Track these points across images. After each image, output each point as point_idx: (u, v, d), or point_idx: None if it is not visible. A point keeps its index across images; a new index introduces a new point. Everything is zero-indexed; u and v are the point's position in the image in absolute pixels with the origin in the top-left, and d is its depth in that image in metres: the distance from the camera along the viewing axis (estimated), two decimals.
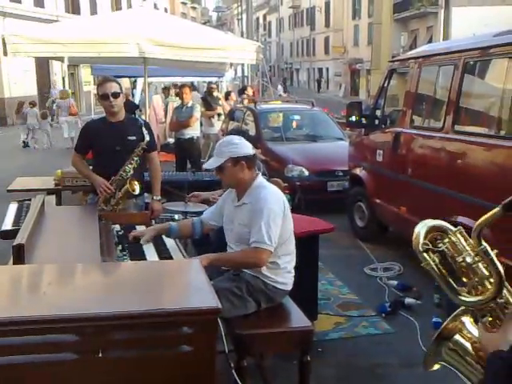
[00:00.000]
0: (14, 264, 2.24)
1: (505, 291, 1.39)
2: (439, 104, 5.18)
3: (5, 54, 7.68)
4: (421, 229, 1.50)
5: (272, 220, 2.89)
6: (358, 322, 4.33)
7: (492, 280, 1.38)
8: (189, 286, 2.04)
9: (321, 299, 4.56)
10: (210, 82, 19.46)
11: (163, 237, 3.30)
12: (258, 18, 65.09)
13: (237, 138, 3.14)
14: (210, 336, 1.80)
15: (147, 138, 3.97)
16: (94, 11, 29.92)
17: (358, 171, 6.58)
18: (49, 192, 4.96)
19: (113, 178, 3.96)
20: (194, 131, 8.58)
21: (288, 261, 3.11)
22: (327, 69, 51.01)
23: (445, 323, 1.49)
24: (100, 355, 1.70)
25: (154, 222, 4.49)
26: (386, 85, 6.23)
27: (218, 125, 10.39)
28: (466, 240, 1.46)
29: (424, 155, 5.21)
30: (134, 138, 4.02)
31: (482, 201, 4.00)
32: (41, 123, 16.27)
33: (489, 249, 1.39)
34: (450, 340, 1.48)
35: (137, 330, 1.73)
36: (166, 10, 44.86)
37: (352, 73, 44.17)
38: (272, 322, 2.95)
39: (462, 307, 1.49)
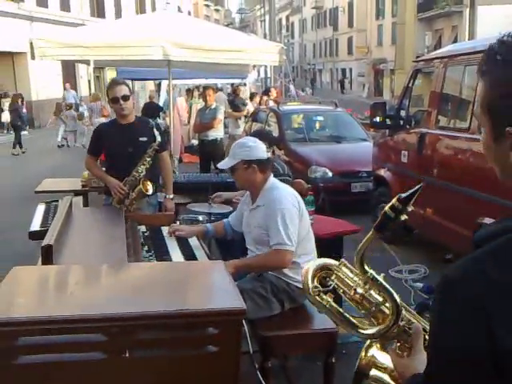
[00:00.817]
0: (42, 264, 2.28)
1: (403, 312, 1.32)
2: (465, 104, 5.11)
3: (32, 57, 7.82)
4: (306, 274, 1.42)
5: (288, 220, 2.90)
6: None
7: (388, 305, 1.32)
8: (214, 286, 2.06)
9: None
10: (233, 84, 19.57)
11: None
12: (280, 20, 65.05)
13: (251, 141, 3.16)
14: (235, 336, 1.81)
15: (158, 138, 4.00)
16: (118, 15, 30.27)
17: (383, 172, 6.53)
18: (76, 193, 5.05)
19: (126, 179, 4.01)
20: (217, 133, 8.62)
21: (308, 260, 3.10)
22: (350, 69, 50.75)
23: (358, 361, 1.43)
24: (127, 355, 1.72)
25: (178, 222, 4.54)
26: (410, 85, 6.17)
27: (244, 126, 10.43)
28: (351, 271, 1.40)
29: (450, 156, 5.14)
30: (145, 139, 4.06)
31: (509, 202, 3.94)
32: (78, 124, 16.77)
33: (375, 275, 1.34)
34: (368, 377, 1.42)
35: (163, 330, 1.75)
36: (189, 13, 45.12)
37: (376, 73, 43.87)
38: (296, 324, 2.95)
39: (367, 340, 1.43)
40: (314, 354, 3.23)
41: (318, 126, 9.37)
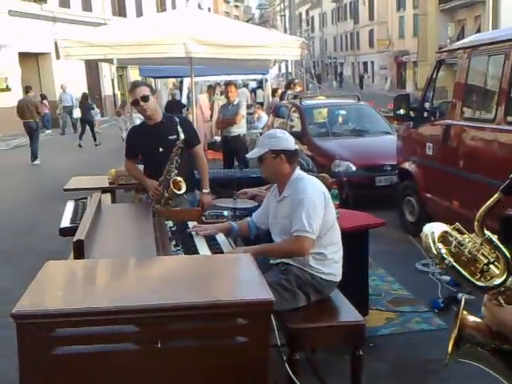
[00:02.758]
0: (74, 259, 2.33)
1: None
2: (490, 95, 5.05)
3: (57, 57, 7.96)
4: (430, 235, 1.59)
5: (312, 209, 2.91)
6: (410, 318, 4.28)
7: (499, 263, 1.47)
8: (243, 278, 2.09)
9: (371, 295, 4.53)
10: (255, 80, 19.52)
11: None
12: (300, 14, 64.73)
13: (280, 132, 3.22)
14: (263, 327, 1.84)
15: (182, 136, 3.94)
16: (139, 13, 30.50)
17: (407, 165, 6.49)
18: (103, 190, 5.12)
19: (160, 180, 4.04)
20: (240, 129, 8.65)
21: (335, 251, 3.11)
22: (372, 62, 50.34)
23: (457, 327, 1.51)
24: (159, 345, 1.76)
25: (204, 218, 4.58)
26: (434, 76, 6.11)
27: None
28: (463, 233, 1.58)
29: (476, 147, 5.09)
30: (174, 137, 4.04)
31: None
32: (117, 120, 17.53)
33: (491, 236, 1.48)
34: (467, 341, 1.52)
35: (194, 321, 1.79)
36: (209, 10, 45.23)
37: (398, 65, 43.44)
38: (323, 317, 2.96)
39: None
40: (341, 346, 3.23)
41: (340, 119, 9.32)
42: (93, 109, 17.93)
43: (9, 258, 5.95)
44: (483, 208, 1.47)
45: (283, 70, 25.80)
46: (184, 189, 4.00)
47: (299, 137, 8.17)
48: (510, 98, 4.60)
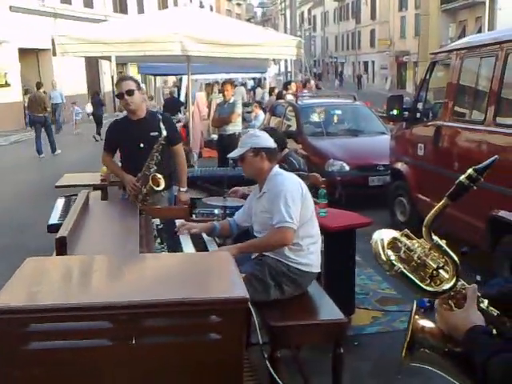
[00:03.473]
0: (56, 255, 2.36)
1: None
2: (481, 96, 5.08)
3: (54, 54, 7.97)
4: (380, 241, 1.57)
5: (290, 200, 2.98)
6: (396, 317, 4.32)
7: (448, 267, 1.49)
8: (219, 276, 2.11)
9: (359, 294, 4.57)
10: (255, 78, 19.57)
11: None
12: (302, 13, 64.80)
13: (259, 132, 3.38)
14: (238, 325, 1.86)
15: (164, 133, 3.98)
16: (141, 10, 30.50)
17: (400, 165, 6.52)
18: (95, 187, 5.15)
19: (138, 175, 4.07)
20: (235, 127, 8.68)
21: (311, 242, 3.15)
22: (373, 62, 50.31)
23: (409, 331, 1.52)
24: (133, 342, 1.78)
25: (194, 216, 4.61)
26: (427, 77, 6.14)
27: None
28: (412, 239, 1.57)
29: (465, 149, 5.12)
30: (156, 133, 4.08)
31: None
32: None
33: (440, 241, 1.49)
34: (419, 346, 1.52)
35: (167, 317, 1.81)
36: (211, 8, 45.24)
37: (399, 65, 43.42)
38: (304, 314, 3.00)
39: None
40: (323, 344, 3.27)
41: (336, 119, 9.36)
42: (104, 105, 18.10)
43: (0, 257, 5.97)
44: (430, 214, 1.48)
45: (283, 69, 25.81)
46: (163, 186, 4.02)
47: (294, 136, 8.22)
48: (499, 99, 4.63)
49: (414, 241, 1.56)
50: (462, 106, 5.53)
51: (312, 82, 13.12)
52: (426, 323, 1.52)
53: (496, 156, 1.45)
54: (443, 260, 1.50)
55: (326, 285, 3.63)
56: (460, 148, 5.20)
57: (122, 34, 7.79)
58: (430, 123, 5.88)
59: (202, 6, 35.89)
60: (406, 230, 1.59)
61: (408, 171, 6.29)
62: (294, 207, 2.98)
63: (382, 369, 3.66)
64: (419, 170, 6.04)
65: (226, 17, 15.65)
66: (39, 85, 15.72)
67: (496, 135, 4.58)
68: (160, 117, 4.14)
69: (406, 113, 6.33)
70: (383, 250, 1.54)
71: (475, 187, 1.43)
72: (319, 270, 3.23)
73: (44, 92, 16.04)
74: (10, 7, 21.00)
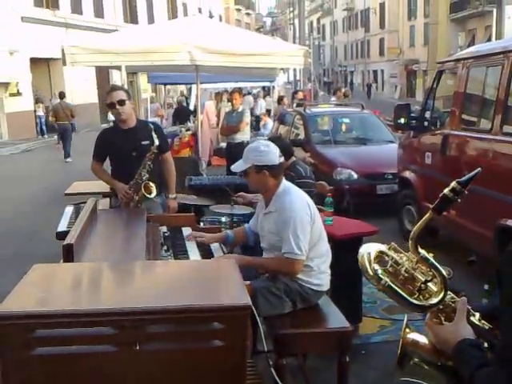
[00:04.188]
0: (64, 262, 2.39)
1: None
2: (487, 105, 5.08)
3: (64, 64, 8.06)
4: (366, 255, 1.55)
5: (300, 229, 2.93)
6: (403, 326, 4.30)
7: (436, 280, 1.47)
8: (222, 283, 2.13)
9: (366, 302, 4.56)
10: (264, 87, 19.65)
11: None
12: (311, 22, 64.99)
13: (263, 145, 3.13)
14: (240, 332, 1.87)
15: (156, 142, 4.04)
16: (151, 20, 30.74)
17: (407, 174, 6.52)
18: (104, 195, 5.20)
19: (130, 183, 4.11)
20: (244, 136, 8.71)
21: (322, 261, 3.13)
22: (382, 71, 50.31)
23: (400, 344, 1.51)
24: (137, 348, 1.80)
25: (201, 223, 4.63)
26: (434, 86, 6.15)
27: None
28: (399, 253, 1.55)
29: (472, 157, 5.12)
30: (147, 142, 4.14)
31: None
32: None
33: (426, 254, 1.48)
34: (411, 359, 1.51)
35: (171, 324, 1.83)
36: (220, 17, 45.49)
37: (408, 74, 43.39)
38: (310, 323, 3.00)
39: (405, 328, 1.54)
40: (328, 352, 3.27)
41: (344, 128, 9.37)
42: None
43: (10, 264, 6.02)
44: (416, 227, 1.46)
45: (292, 78, 25.89)
46: (154, 193, 4.10)
47: (303, 144, 8.24)
48: (506, 108, 4.63)
49: (402, 254, 1.54)
50: (469, 114, 5.53)
51: (343, 89, 13.29)
52: (419, 337, 1.50)
53: (479, 169, 1.42)
54: (431, 273, 1.48)
55: (332, 293, 3.63)
56: (467, 156, 5.20)
57: (131, 43, 7.86)
58: (437, 132, 5.87)
59: (211, 16, 36.10)
60: (393, 243, 1.56)
61: (416, 180, 6.28)
62: (302, 237, 2.93)
63: (389, 377, 3.64)
64: (427, 179, 6.03)
65: (233, 26, 15.77)
66: (62, 94, 16.25)
67: (503, 144, 4.58)
68: (152, 126, 4.20)
69: (414, 121, 6.33)
70: (369, 264, 1.52)
71: (459, 200, 1.41)
72: (329, 287, 3.22)
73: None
74: (22, 18, 21.28)
